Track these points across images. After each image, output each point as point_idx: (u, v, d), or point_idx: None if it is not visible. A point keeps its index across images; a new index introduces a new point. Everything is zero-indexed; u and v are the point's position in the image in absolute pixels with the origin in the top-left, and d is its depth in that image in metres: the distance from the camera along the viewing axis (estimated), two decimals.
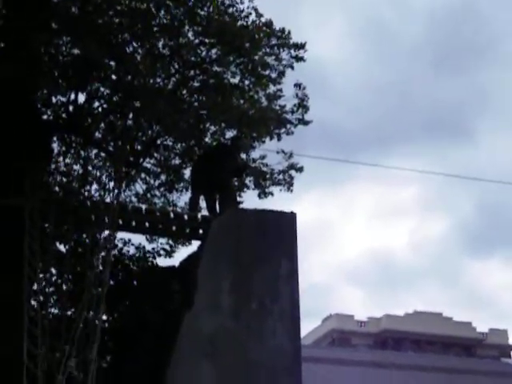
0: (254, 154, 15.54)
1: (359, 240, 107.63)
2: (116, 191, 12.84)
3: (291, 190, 15.28)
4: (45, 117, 13.56)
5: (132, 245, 13.19)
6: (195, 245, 12.37)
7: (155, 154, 15.02)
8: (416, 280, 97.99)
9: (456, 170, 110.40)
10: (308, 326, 65.37)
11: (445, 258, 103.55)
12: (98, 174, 14.20)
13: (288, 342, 9.76)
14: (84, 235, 12.67)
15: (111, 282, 12.21)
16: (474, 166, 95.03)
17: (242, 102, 14.49)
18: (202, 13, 13.75)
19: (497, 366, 28.56)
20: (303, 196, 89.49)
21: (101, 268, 11.55)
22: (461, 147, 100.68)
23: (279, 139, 15.26)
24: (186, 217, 12.16)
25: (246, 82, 14.68)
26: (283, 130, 15.25)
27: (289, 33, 14.67)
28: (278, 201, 15.60)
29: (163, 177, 15.39)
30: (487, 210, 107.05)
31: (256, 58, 14.38)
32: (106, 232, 12.07)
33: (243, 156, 14.77)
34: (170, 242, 14.34)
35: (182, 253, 14.07)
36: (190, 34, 14.12)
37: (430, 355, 42.59)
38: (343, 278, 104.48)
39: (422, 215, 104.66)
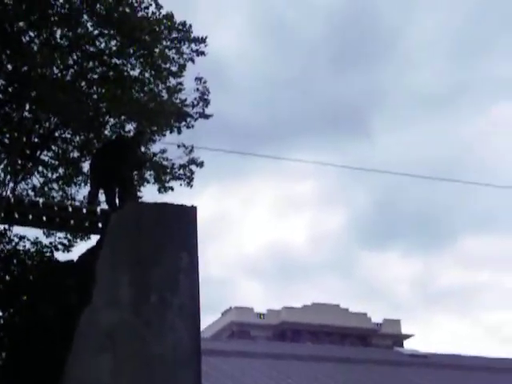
0: (155, 148, 15.49)
1: (258, 234, 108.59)
2: (12, 184, 12.55)
3: (191, 186, 15.29)
4: None
5: (28, 240, 12.90)
6: (94, 239, 12.25)
7: (53, 147, 14.75)
8: (314, 273, 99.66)
9: (353, 165, 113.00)
10: (208, 319, 65.69)
11: (342, 250, 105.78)
12: None
13: (188, 336, 9.78)
14: None
15: (6, 278, 11.94)
16: (371, 161, 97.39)
17: (141, 94, 14.41)
18: (102, 2, 13.57)
19: (390, 355, 29.41)
20: (204, 190, 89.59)
21: None
22: (358, 142, 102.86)
23: (179, 133, 15.26)
24: (84, 211, 11.98)
25: (146, 75, 14.61)
26: (183, 123, 15.26)
27: (190, 26, 14.69)
28: (178, 194, 15.60)
29: (61, 170, 15.13)
30: (383, 204, 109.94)
31: (156, 50, 14.32)
32: (1, 226, 11.78)
33: (143, 149, 14.67)
34: (69, 236, 14.14)
35: (81, 247, 13.90)
36: (89, 25, 13.92)
37: (328, 346, 43.41)
38: (243, 271, 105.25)
39: (320, 208, 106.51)
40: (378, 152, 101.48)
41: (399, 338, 66.36)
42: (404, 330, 67.60)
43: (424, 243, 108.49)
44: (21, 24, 13.21)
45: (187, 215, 10.44)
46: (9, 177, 12.92)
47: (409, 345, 63.82)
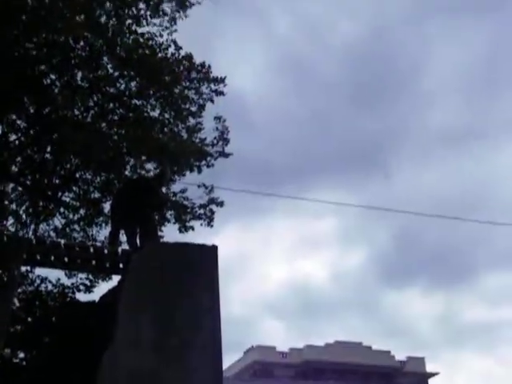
0: (175, 188, 15.52)
1: (279, 272, 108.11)
2: (34, 226, 12.61)
3: (211, 226, 15.29)
4: None
5: (49, 282, 12.93)
6: (116, 279, 12.24)
7: (74, 188, 14.82)
8: (336, 311, 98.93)
9: (372, 203, 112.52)
10: (230, 358, 65.10)
11: (363, 288, 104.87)
12: (15, 208, 13.94)
13: (210, 376, 9.70)
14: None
15: (29, 319, 11.96)
16: (389, 199, 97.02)
17: (162, 135, 14.49)
18: (122, 45, 13.74)
19: None
20: (224, 228, 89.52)
21: (17, 304, 11.29)
22: (377, 181, 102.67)
23: (200, 172, 15.29)
24: (105, 251, 11.99)
25: (166, 115, 14.70)
26: (203, 162, 15.29)
27: (209, 67, 14.81)
28: (198, 233, 15.58)
29: (82, 211, 15.17)
30: (403, 241, 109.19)
31: (176, 91, 14.43)
32: (23, 268, 11.81)
33: (164, 190, 14.70)
34: (90, 276, 14.15)
35: (103, 287, 13.90)
36: (109, 67, 14.08)
37: None
38: (264, 309, 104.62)
39: (341, 247, 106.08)
40: (396, 190, 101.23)
41: (424, 377, 65.53)
42: (428, 368, 66.74)
43: (445, 280, 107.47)
44: (42, 67, 13.39)
45: (208, 255, 10.42)
46: (31, 218, 12.99)
47: (434, 383, 63.01)
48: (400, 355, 66.23)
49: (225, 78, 14.95)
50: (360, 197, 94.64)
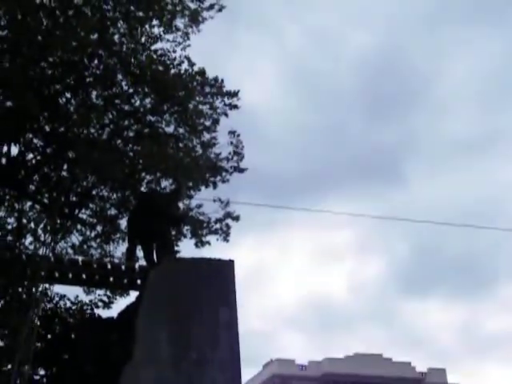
0: (191, 203, 15.55)
1: (297, 284, 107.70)
2: (51, 243, 12.69)
3: (227, 240, 15.29)
4: None
5: (68, 299, 13.00)
6: (133, 295, 12.30)
7: (91, 205, 14.91)
8: (355, 322, 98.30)
9: (389, 213, 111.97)
10: (249, 372, 64.86)
11: (382, 299, 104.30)
12: (33, 226, 14.03)
13: None
14: (19, 289, 12.44)
15: (48, 336, 12.02)
16: (406, 209, 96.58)
17: (176, 150, 14.54)
18: (135, 62, 13.84)
19: None
20: (240, 242, 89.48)
21: (37, 322, 11.35)
22: (393, 190, 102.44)
23: (215, 187, 15.30)
24: (123, 267, 12.07)
25: (181, 131, 14.76)
26: (219, 177, 15.31)
27: (222, 81, 14.86)
28: (215, 248, 15.59)
29: (99, 228, 15.25)
30: (422, 250, 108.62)
31: (190, 106, 14.50)
32: (42, 285, 11.89)
33: (181, 205, 14.74)
34: (108, 293, 14.19)
35: (121, 303, 13.94)
36: (123, 84, 14.18)
37: None
38: (283, 322, 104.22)
39: (358, 258, 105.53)
40: (413, 199, 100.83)
41: None
42: (450, 379, 66.21)
43: (466, 289, 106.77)
44: (57, 86, 13.51)
45: (225, 269, 10.46)
46: (48, 236, 13.07)
47: None
48: (421, 366, 65.85)
49: (238, 91, 15.00)
50: (376, 207, 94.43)
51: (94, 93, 14.02)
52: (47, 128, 13.66)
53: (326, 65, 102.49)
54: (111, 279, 12.02)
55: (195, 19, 14.85)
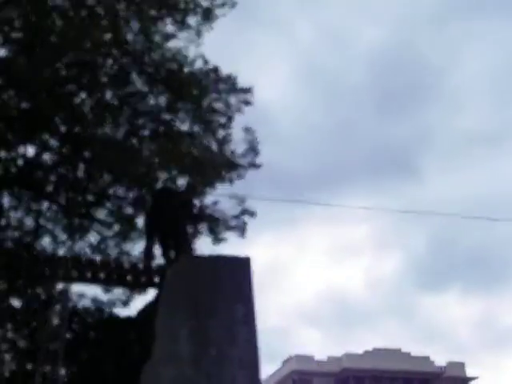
0: (207, 200, 15.54)
1: (315, 280, 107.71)
2: (69, 243, 12.74)
3: (244, 236, 15.27)
4: None
5: (86, 298, 13.06)
6: (152, 293, 12.32)
7: (107, 204, 14.94)
8: (373, 317, 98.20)
9: (405, 208, 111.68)
10: (268, 368, 64.94)
11: (400, 293, 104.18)
12: (51, 226, 14.09)
13: None
14: (38, 289, 12.51)
15: (68, 336, 12.06)
16: (422, 203, 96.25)
17: (192, 148, 14.54)
18: (149, 61, 13.86)
19: None
20: (257, 238, 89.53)
21: (56, 322, 11.40)
22: (408, 184, 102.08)
23: (231, 184, 15.29)
24: (140, 266, 12.09)
25: (196, 128, 14.75)
26: (234, 174, 15.29)
27: (235, 78, 14.85)
28: (232, 245, 15.59)
29: (116, 226, 15.27)
30: (439, 244, 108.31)
31: (204, 103, 14.50)
32: (61, 285, 11.94)
33: (197, 203, 14.74)
34: (126, 291, 14.23)
35: (139, 302, 13.97)
36: (137, 83, 14.19)
37: None
38: (301, 318, 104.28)
39: (376, 253, 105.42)
40: (429, 193, 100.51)
41: (464, 381, 64.82)
42: (469, 373, 65.99)
43: (483, 283, 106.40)
44: (72, 87, 13.56)
45: (242, 266, 10.45)
46: (66, 236, 13.13)
47: None
48: (439, 360, 65.69)
49: (252, 87, 14.98)
50: (392, 202, 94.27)
51: (109, 92, 14.06)
52: (63, 128, 13.71)
53: (338, 61, 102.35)
54: (129, 278, 12.05)
55: (208, 16, 14.84)
